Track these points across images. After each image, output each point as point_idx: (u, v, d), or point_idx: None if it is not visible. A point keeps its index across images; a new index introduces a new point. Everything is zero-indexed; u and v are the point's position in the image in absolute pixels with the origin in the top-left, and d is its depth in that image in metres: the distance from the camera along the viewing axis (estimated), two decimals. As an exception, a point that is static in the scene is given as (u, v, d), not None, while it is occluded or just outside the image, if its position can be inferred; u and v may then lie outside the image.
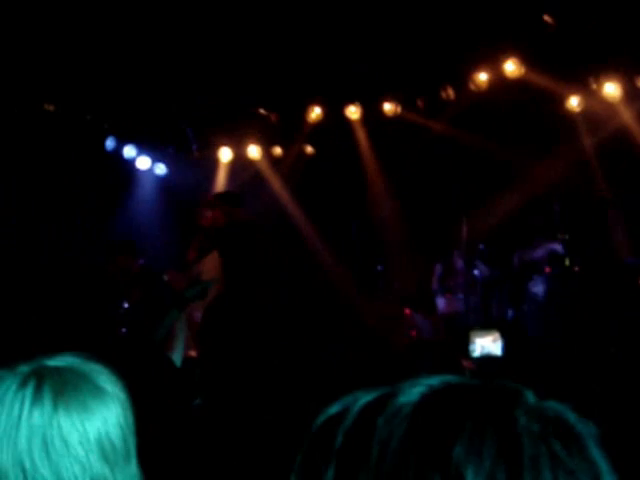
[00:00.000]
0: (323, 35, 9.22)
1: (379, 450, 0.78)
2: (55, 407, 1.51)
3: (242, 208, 8.55)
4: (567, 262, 9.31)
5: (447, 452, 0.76)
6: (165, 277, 8.54)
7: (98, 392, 1.55)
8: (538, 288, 9.36)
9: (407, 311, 10.86)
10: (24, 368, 1.56)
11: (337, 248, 11.54)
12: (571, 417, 0.82)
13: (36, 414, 1.50)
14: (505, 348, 6.67)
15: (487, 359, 6.46)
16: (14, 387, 1.53)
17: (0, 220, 9.55)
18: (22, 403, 1.51)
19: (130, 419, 1.60)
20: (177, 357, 4.35)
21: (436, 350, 4.53)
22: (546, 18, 9.32)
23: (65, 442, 1.50)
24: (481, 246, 10.33)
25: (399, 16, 9.04)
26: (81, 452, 1.50)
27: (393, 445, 0.77)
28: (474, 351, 6.62)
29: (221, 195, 9.08)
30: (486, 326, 7.03)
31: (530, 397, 0.82)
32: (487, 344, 6.71)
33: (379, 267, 11.25)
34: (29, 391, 1.52)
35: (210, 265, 8.23)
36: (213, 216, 8.35)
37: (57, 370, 1.56)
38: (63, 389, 1.53)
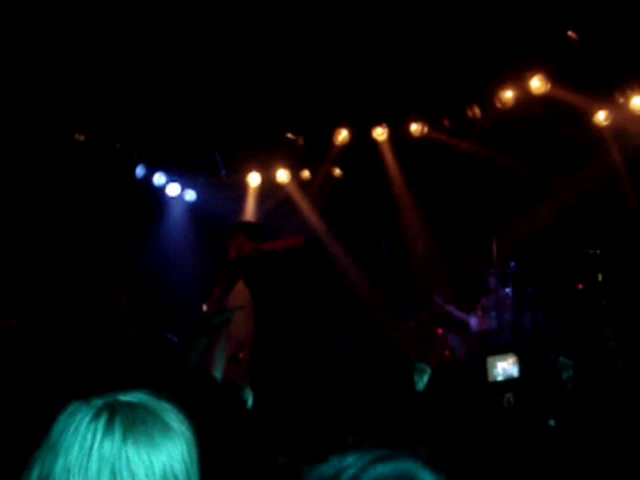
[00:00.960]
0: (348, 58, 9.28)
1: None
2: (124, 440, 1.58)
3: (262, 239, 8.49)
4: (600, 277, 9.23)
5: None
6: (204, 307, 8.59)
7: (165, 428, 1.63)
8: None
9: (440, 331, 10.82)
10: (98, 401, 1.65)
11: (367, 269, 11.53)
12: None
13: (107, 445, 1.58)
14: (521, 370, 6.69)
15: (510, 381, 6.46)
16: (88, 418, 1.61)
17: (33, 247, 9.69)
18: (94, 434, 1.59)
19: (194, 456, 1.67)
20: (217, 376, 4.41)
21: (465, 370, 4.51)
22: (570, 34, 9.29)
23: (132, 473, 1.57)
24: (512, 264, 10.29)
25: (423, 37, 9.08)
26: None
27: None
28: (498, 375, 6.61)
29: (241, 225, 9.07)
30: (502, 351, 7.06)
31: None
32: (507, 366, 6.70)
33: (409, 287, 11.23)
34: (101, 423, 1.60)
35: (238, 298, 8.24)
36: (236, 246, 8.34)
37: (129, 405, 1.64)
38: (133, 423, 1.61)
